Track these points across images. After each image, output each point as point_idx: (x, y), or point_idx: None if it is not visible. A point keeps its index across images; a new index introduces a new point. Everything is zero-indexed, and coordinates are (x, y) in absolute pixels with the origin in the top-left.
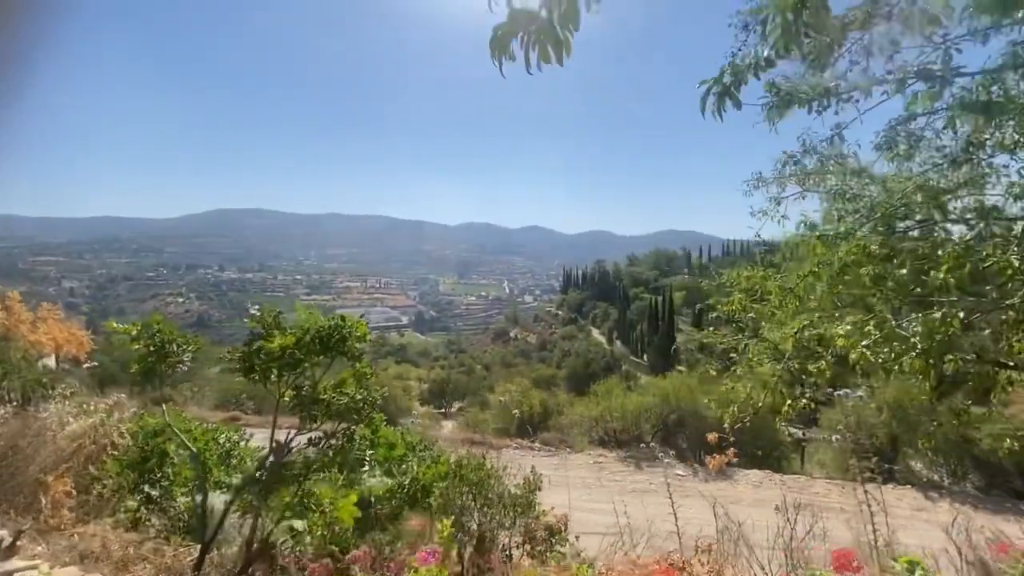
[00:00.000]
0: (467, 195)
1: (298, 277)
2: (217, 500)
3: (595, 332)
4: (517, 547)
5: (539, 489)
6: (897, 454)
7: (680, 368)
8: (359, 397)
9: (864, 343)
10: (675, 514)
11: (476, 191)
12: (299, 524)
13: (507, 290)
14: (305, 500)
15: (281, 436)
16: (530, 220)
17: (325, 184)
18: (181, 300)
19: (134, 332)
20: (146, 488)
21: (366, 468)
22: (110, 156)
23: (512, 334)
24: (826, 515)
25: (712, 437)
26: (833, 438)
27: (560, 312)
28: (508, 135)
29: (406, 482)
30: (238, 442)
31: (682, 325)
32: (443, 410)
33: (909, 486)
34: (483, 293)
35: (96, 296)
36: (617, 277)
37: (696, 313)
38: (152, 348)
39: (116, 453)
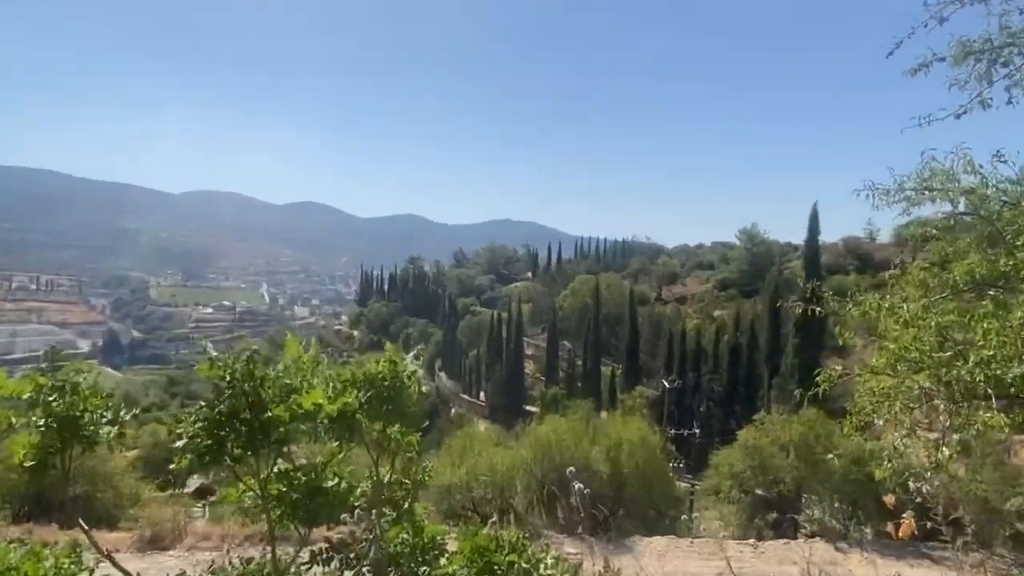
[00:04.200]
0: (201, 150)
1: None
2: None
3: (410, 361)
4: None
5: None
6: (800, 501)
7: (531, 408)
8: (393, 480)
9: None
10: None
11: (216, 145)
12: None
13: (267, 298)
14: None
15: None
16: (304, 194)
17: None
18: None
19: (28, 393)
20: None
21: None
22: None
23: None
24: None
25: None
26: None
27: (356, 332)
28: (273, 69)
29: None
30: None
31: (528, 349)
32: (179, 491)
33: (818, 538)
34: (226, 302)
35: None
36: (439, 282)
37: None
38: (53, 423)
39: None
